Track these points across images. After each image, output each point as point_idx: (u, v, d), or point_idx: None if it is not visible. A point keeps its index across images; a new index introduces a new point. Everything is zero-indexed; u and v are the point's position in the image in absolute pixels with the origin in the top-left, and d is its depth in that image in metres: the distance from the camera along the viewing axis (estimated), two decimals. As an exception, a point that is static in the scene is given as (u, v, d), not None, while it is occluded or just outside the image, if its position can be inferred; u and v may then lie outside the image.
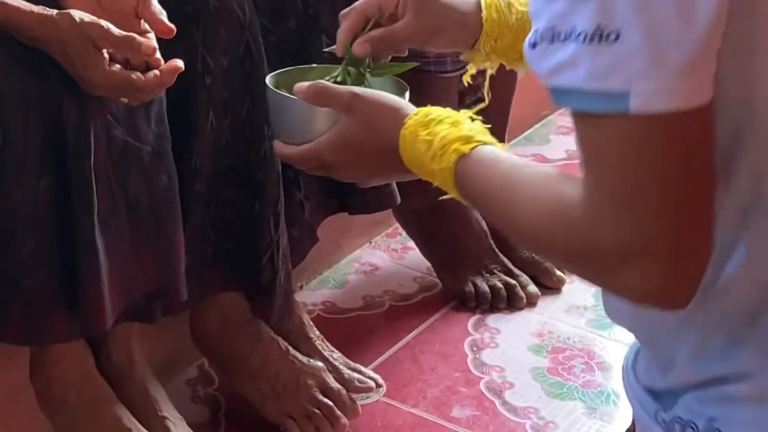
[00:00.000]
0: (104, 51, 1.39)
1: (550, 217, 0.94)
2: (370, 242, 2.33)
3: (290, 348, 1.83)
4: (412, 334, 2.05)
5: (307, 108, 1.21)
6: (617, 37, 0.85)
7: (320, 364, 1.84)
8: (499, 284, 2.14)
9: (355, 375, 1.89)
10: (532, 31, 0.91)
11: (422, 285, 2.19)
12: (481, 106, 1.35)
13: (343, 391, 1.82)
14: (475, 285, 2.14)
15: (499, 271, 2.16)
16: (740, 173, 0.93)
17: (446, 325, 2.08)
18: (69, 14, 1.38)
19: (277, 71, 1.33)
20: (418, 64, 1.38)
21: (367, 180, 1.24)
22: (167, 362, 1.89)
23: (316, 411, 1.79)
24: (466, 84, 1.44)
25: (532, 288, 2.16)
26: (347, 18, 1.33)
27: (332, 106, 1.19)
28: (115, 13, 1.42)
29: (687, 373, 1.02)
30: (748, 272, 0.96)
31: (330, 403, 1.80)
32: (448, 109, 1.14)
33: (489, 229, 2.17)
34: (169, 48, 1.45)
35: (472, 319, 2.10)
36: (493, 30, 1.32)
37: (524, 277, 2.17)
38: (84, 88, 1.42)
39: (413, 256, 2.26)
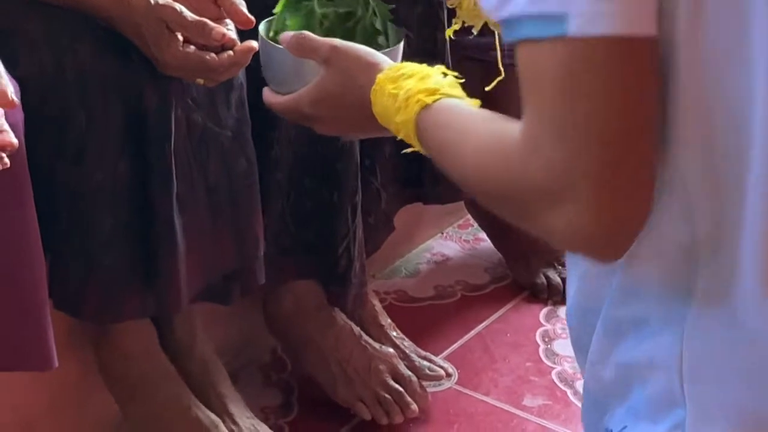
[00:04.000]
0: (178, 32, 1.41)
1: (490, 153, 0.92)
2: (442, 233, 2.34)
3: (363, 334, 1.86)
4: (483, 324, 2.06)
5: (292, 58, 1.20)
6: None
7: (391, 350, 1.86)
8: (572, 276, 2.14)
9: (426, 363, 1.91)
10: None
11: (493, 276, 2.20)
12: (499, 78, 1.35)
13: (414, 378, 1.84)
14: (547, 277, 2.15)
15: (570, 263, 2.17)
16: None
17: (518, 315, 2.09)
18: None
19: (272, 17, 1.32)
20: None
21: (346, 134, 1.24)
22: (240, 347, 1.91)
23: (387, 396, 1.81)
24: (447, 37, 1.40)
25: (604, 280, 2.15)
26: None
27: (312, 58, 1.18)
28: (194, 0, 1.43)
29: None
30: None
31: (401, 389, 1.81)
32: (423, 65, 1.12)
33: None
34: (251, 36, 1.47)
35: (544, 311, 2.10)
36: None
37: (596, 270, 2.17)
38: (159, 68, 1.45)
39: (484, 247, 2.27)
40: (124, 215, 1.50)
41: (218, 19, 1.42)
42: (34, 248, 1.34)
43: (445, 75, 1.09)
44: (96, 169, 1.46)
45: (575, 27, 0.83)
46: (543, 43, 0.85)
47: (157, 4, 1.40)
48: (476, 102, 1.05)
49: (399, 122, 1.07)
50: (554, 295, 2.13)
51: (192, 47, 1.42)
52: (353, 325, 1.85)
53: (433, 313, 2.09)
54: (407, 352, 1.90)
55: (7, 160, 1.14)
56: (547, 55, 0.85)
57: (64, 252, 1.49)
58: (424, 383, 1.86)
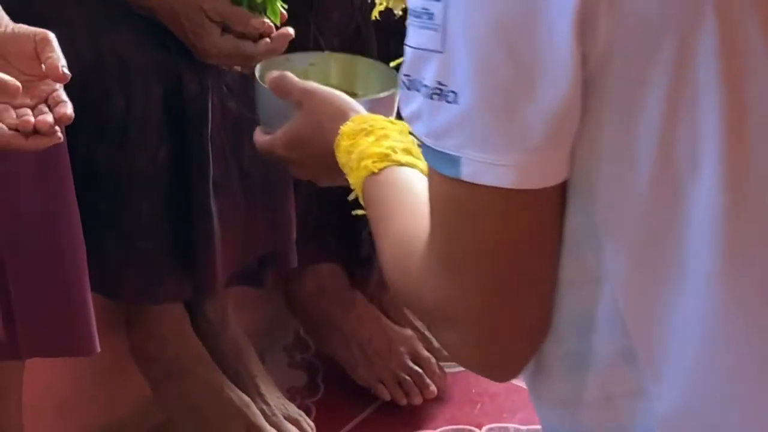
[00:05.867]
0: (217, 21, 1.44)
1: (400, 256, 0.92)
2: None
3: (383, 316, 1.89)
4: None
5: (276, 99, 1.19)
6: (455, 99, 0.81)
7: (411, 332, 1.90)
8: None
9: (445, 344, 1.95)
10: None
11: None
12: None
13: (433, 360, 1.87)
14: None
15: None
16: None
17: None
18: None
19: (272, 58, 1.35)
20: None
21: (318, 180, 1.19)
22: (264, 330, 1.95)
23: (407, 377, 1.84)
24: (373, 18, 1.37)
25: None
26: None
27: (288, 99, 1.16)
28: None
29: None
30: None
31: (420, 370, 1.85)
32: (390, 119, 1.10)
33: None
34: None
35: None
36: None
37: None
38: (197, 56, 1.48)
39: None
40: (163, 199, 1.53)
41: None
42: (76, 234, 1.36)
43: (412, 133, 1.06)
44: (137, 154, 1.50)
45: (466, 173, 0.81)
46: (440, 175, 0.83)
47: None
48: (423, 166, 1.02)
49: (352, 182, 1.06)
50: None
51: (230, 35, 1.45)
52: (374, 308, 1.89)
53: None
54: (426, 333, 1.94)
55: (60, 134, 1.14)
56: (440, 187, 0.84)
57: (103, 236, 1.52)
58: (443, 364, 1.90)
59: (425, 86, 0.82)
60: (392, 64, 1.33)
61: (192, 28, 1.45)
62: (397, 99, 1.24)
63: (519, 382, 1.86)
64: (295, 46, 1.50)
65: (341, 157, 1.08)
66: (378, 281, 1.88)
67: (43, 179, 1.31)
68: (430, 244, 0.87)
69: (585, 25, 0.78)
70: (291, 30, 1.47)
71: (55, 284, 1.36)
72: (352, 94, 1.24)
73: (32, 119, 1.11)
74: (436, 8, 0.81)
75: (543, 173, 0.82)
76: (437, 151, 0.83)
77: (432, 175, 0.85)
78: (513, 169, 0.80)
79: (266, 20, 1.45)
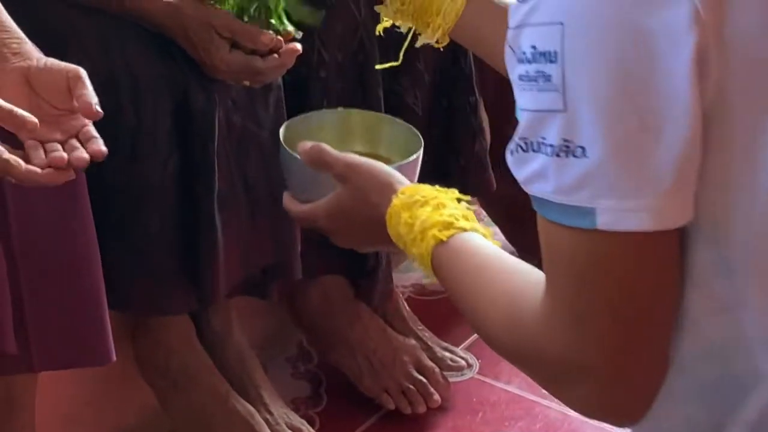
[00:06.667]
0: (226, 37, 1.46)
1: (507, 316, 0.93)
2: (455, 227, 2.39)
3: (387, 327, 1.92)
4: (500, 314, 2.12)
5: (309, 169, 1.21)
6: (583, 153, 0.83)
7: (415, 342, 1.92)
8: (583, 269, 2.20)
9: (447, 354, 1.97)
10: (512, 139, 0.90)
11: (507, 269, 2.25)
12: (393, 64, 1.37)
13: (437, 369, 1.90)
14: (560, 269, 2.21)
15: (581, 256, 2.23)
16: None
17: (533, 306, 2.14)
18: (192, 2, 1.46)
19: (294, 118, 1.36)
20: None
21: (361, 247, 1.24)
22: (267, 341, 1.96)
23: (411, 387, 1.87)
24: (377, 34, 1.37)
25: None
26: None
27: (328, 172, 1.19)
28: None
29: None
30: None
31: (424, 380, 1.88)
32: (437, 187, 1.12)
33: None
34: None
35: (557, 302, 2.16)
36: None
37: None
38: (206, 72, 1.50)
39: (497, 240, 2.32)
40: (171, 212, 1.55)
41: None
42: (91, 246, 1.38)
43: (459, 200, 1.10)
44: (147, 167, 1.52)
45: (603, 222, 0.84)
46: (569, 229, 0.85)
47: (205, 10, 1.45)
48: (488, 232, 1.07)
49: (415, 254, 1.08)
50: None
51: (239, 51, 1.47)
52: (378, 319, 1.91)
53: (450, 306, 2.11)
54: (429, 343, 1.96)
55: (73, 173, 1.16)
56: (571, 241, 0.86)
57: (113, 248, 1.54)
58: (446, 373, 1.92)
59: (550, 145, 0.85)
60: (386, 65, 1.40)
61: (201, 44, 1.47)
62: (420, 159, 1.29)
63: (519, 391, 1.91)
64: (299, 59, 1.52)
65: (401, 229, 1.10)
66: (383, 292, 1.90)
67: (58, 192, 1.32)
68: (551, 299, 0.88)
69: (701, 66, 0.81)
70: (299, 46, 1.50)
71: (71, 296, 1.37)
72: (377, 156, 1.29)
73: (65, 155, 1.14)
74: (552, 70, 0.84)
75: (675, 213, 0.85)
76: (567, 205, 0.85)
77: (555, 230, 0.87)
78: (648, 213, 0.83)
79: (275, 36, 1.47)
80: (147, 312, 1.65)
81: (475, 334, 2.05)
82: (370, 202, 1.14)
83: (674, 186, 0.84)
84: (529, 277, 0.94)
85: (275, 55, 1.48)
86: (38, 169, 1.12)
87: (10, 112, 1.11)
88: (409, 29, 1.32)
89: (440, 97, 1.89)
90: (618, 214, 0.84)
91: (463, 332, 2.06)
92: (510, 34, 0.88)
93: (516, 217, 2.24)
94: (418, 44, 1.31)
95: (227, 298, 1.68)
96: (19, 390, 1.42)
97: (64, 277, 1.36)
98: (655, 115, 0.82)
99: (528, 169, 0.87)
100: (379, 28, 1.35)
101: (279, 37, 1.48)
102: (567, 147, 0.84)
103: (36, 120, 1.12)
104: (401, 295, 2.04)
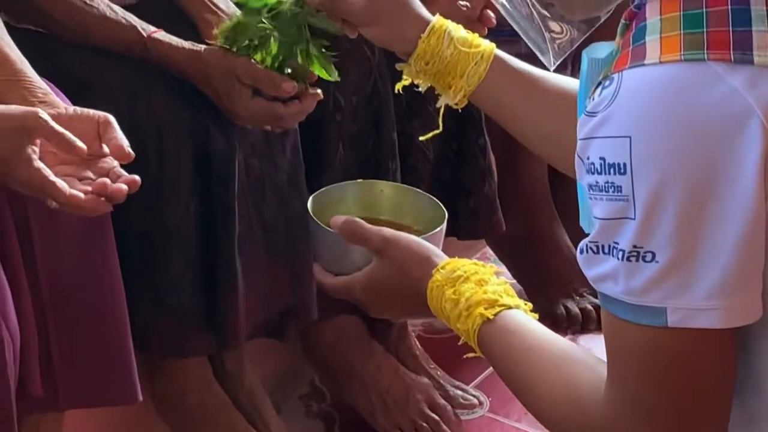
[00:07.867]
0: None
1: (568, 404, 0.96)
2: (462, 266, 2.41)
3: (400, 365, 1.94)
4: (508, 353, 2.14)
5: (342, 242, 1.23)
6: (653, 258, 0.88)
7: (427, 380, 1.95)
8: (590, 306, 2.23)
9: (459, 392, 1.99)
10: (585, 239, 0.94)
11: (514, 307, 2.28)
12: (435, 132, 1.40)
13: (449, 407, 1.92)
14: (566, 307, 2.24)
15: (588, 293, 2.25)
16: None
17: (541, 345, 2.17)
18: (215, 50, 1.50)
19: (320, 191, 1.39)
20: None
21: (397, 318, 1.27)
22: (280, 379, 1.98)
23: (424, 425, 1.88)
24: (396, 92, 1.40)
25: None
26: None
27: (364, 246, 1.21)
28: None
29: None
30: None
31: (437, 417, 1.89)
32: (474, 261, 1.15)
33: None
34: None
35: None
36: (425, 53, 1.28)
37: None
38: (229, 118, 1.53)
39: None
40: (191, 255, 1.58)
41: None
42: (117, 287, 1.40)
43: (498, 274, 1.14)
44: (169, 211, 1.55)
45: (674, 321, 0.88)
46: (638, 326, 0.90)
47: (227, 58, 1.48)
48: (529, 307, 1.10)
49: (460, 329, 1.12)
50: (574, 325, 2.22)
51: (260, 98, 1.50)
52: (392, 357, 1.93)
53: (460, 344, 2.15)
54: (441, 382, 1.99)
55: (110, 206, 1.20)
56: (638, 338, 0.90)
57: (134, 290, 1.56)
58: (458, 411, 1.94)
59: (620, 250, 0.89)
60: (429, 135, 1.43)
61: (224, 92, 1.50)
62: (444, 229, 1.32)
63: (530, 429, 1.93)
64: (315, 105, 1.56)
65: (445, 305, 1.13)
66: (398, 332, 1.93)
67: (86, 232, 1.35)
68: (616, 391, 0.92)
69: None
70: (320, 91, 1.53)
71: (98, 336, 1.39)
72: (402, 226, 1.33)
73: (108, 181, 1.18)
74: (622, 181, 0.88)
75: (744, 312, 0.88)
76: (638, 306, 0.89)
77: (624, 327, 0.91)
78: (718, 311, 0.87)
79: (295, 83, 1.50)
80: (165, 354, 1.67)
81: (485, 372, 2.08)
82: (409, 275, 1.17)
83: (743, 285, 0.87)
84: (586, 364, 0.97)
85: (296, 101, 1.51)
86: (81, 195, 1.15)
87: (62, 135, 1.15)
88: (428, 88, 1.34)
89: (450, 139, 1.92)
90: (688, 312, 0.87)
91: (473, 370, 2.08)
92: (579, 144, 0.92)
93: (523, 256, 2.28)
94: (438, 104, 1.34)
95: (247, 341, 1.70)
96: (49, 427, 1.44)
97: (92, 318, 1.38)
98: (722, 221, 0.86)
99: (598, 270, 0.91)
100: (399, 87, 1.37)
101: (301, 84, 1.51)
102: (637, 252, 0.88)
103: (85, 147, 1.16)
104: (412, 334, 2.06)
